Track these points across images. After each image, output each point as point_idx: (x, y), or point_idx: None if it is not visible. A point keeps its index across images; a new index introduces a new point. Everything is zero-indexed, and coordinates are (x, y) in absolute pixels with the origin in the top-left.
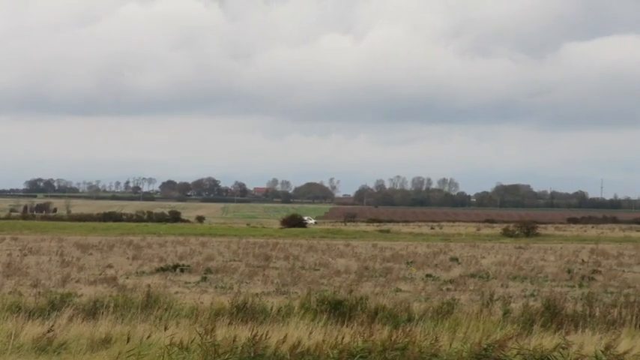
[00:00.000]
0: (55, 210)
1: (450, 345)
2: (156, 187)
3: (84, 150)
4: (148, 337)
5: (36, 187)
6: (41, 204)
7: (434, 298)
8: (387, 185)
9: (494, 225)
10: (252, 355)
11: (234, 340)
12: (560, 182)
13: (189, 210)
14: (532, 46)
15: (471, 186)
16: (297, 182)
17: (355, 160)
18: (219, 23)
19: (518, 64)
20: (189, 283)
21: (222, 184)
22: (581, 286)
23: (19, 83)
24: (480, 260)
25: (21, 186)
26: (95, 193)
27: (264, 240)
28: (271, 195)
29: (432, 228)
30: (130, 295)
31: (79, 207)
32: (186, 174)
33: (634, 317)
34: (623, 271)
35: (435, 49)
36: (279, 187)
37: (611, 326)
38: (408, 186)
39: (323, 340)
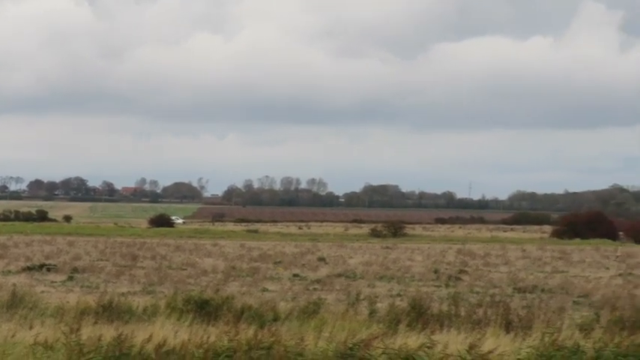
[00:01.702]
0: None
1: (316, 344)
2: (23, 186)
3: None
4: (13, 336)
5: None
6: None
7: (300, 298)
8: (256, 185)
9: (363, 225)
10: (117, 354)
11: (99, 339)
12: (429, 183)
13: (57, 209)
14: (403, 47)
15: (339, 186)
16: (165, 182)
17: (224, 160)
18: (89, 22)
19: (389, 65)
20: (56, 282)
21: (90, 184)
22: (447, 286)
23: None
24: (348, 260)
25: None
26: None
27: (131, 239)
28: (139, 194)
29: (300, 228)
30: None
31: None
32: (54, 173)
33: (499, 317)
34: (490, 271)
35: (306, 50)
36: (147, 187)
37: (477, 326)
38: (277, 186)
39: (189, 340)
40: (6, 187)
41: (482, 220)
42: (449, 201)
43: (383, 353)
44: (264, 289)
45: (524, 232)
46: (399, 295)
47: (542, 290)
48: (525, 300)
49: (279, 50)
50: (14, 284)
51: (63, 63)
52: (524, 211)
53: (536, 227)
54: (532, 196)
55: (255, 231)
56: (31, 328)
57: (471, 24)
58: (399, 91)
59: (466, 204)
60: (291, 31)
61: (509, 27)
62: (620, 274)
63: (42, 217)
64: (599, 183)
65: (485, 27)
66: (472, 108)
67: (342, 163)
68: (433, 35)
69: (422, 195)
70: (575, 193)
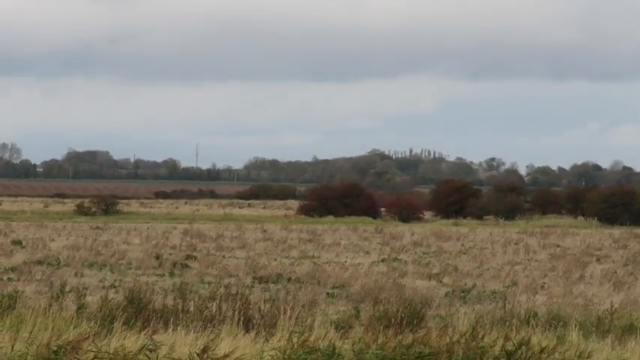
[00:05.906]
0: None
1: (13, 347)
2: None
3: None
4: None
5: None
6: None
7: None
8: None
9: (67, 200)
10: None
11: None
12: (147, 148)
13: None
14: None
15: (37, 153)
16: None
17: None
18: None
19: (97, 4)
20: None
21: None
22: (172, 274)
23: None
24: (49, 243)
25: None
26: None
27: None
28: None
29: None
30: None
31: None
32: None
33: (236, 312)
34: (224, 256)
35: None
36: None
37: (210, 323)
38: None
39: None
40: None
41: (213, 195)
42: (172, 171)
43: (95, 357)
44: None
45: (264, 208)
46: (113, 286)
47: (289, 280)
48: (268, 292)
49: None
50: None
51: None
52: (265, 182)
53: (279, 202)
54: (274, 165)
55: None
56: None
57: None
58: (108, 36)
59: (193, 174)
60: None
61: None
62: (383, 260)
63: None
64: (355, 148)
65: None
66: (199, 56)
67: (39, 124)
68: None
69: (138, 163)
70: (326, 161)
